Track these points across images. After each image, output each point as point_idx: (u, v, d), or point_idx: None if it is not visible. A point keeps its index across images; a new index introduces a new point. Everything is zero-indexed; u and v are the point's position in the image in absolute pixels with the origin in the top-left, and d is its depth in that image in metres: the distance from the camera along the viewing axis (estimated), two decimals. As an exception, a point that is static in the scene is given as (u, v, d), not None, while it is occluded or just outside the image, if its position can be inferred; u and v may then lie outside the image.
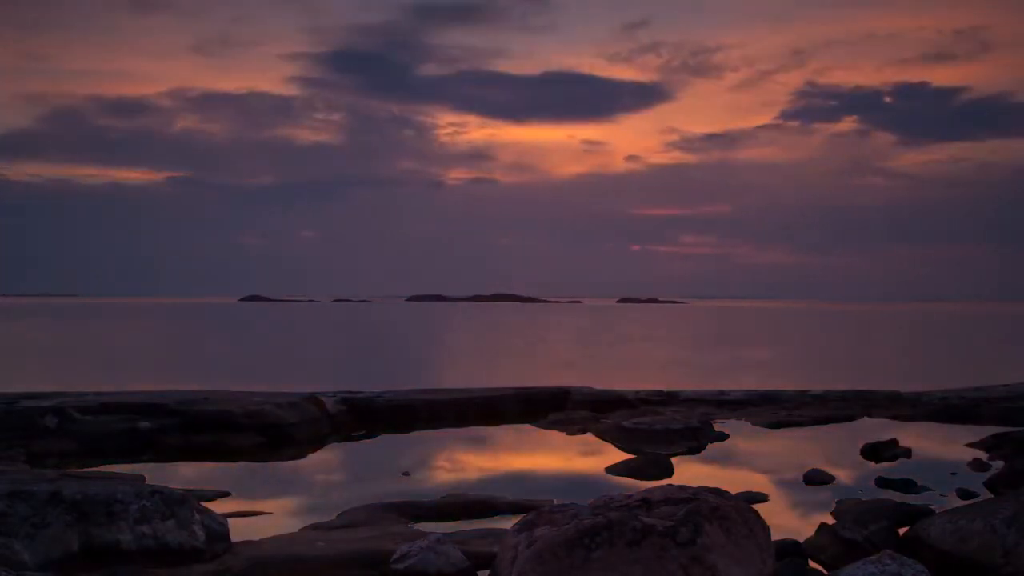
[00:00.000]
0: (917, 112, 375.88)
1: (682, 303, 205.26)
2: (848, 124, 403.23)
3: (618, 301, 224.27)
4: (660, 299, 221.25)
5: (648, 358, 31.85)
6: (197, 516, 5.85)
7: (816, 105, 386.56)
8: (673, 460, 9.49)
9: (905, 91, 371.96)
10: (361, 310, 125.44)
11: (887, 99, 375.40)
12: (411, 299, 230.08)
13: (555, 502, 6.57)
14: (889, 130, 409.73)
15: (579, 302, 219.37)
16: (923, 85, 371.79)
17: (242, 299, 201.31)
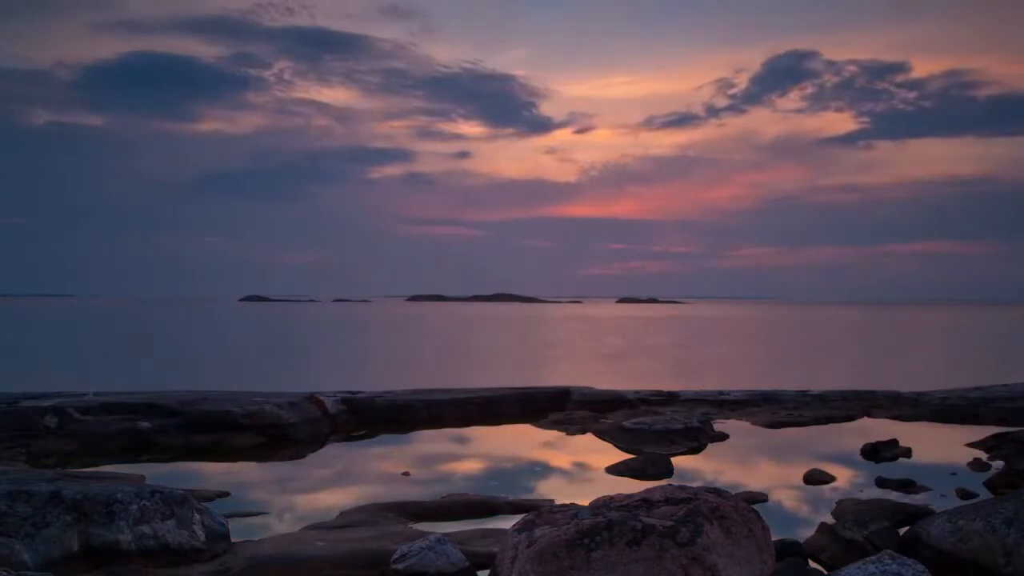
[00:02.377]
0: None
1: (682, 303, 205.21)
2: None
3: (618, 301, 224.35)
4: (660, 299, 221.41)
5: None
6: (197, 516, 5.85)
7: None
8: (673, 460, 9.49)
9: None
10: (361, 310, 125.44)
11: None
12: (411, 299, 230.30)
13: (555, 502, 6.58)
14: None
15: (579, 302, 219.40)
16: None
17: (242, 299, 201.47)
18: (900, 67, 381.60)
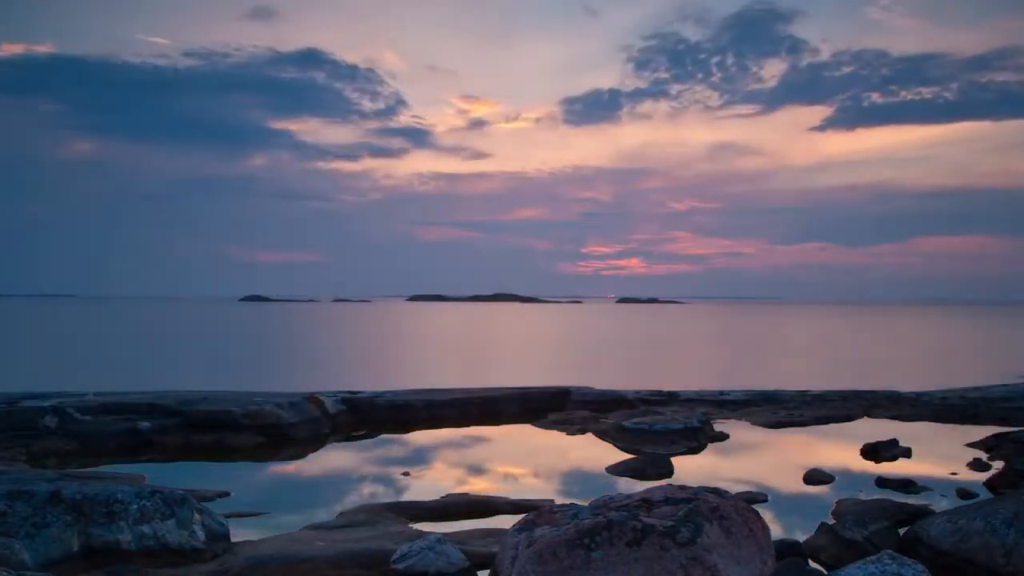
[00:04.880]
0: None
1: (681, 303, 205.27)
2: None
3: (617, 301, 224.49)
4: (660, 299, 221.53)
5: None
6: (197, 516, 5.85)
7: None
8: (673, 460, 9.49)
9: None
10: (361, 310, 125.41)
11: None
12: (411, 299, 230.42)
13: (555, 502, 6.58)
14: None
15: (579, 302, 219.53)
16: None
17: (242, 299, 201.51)
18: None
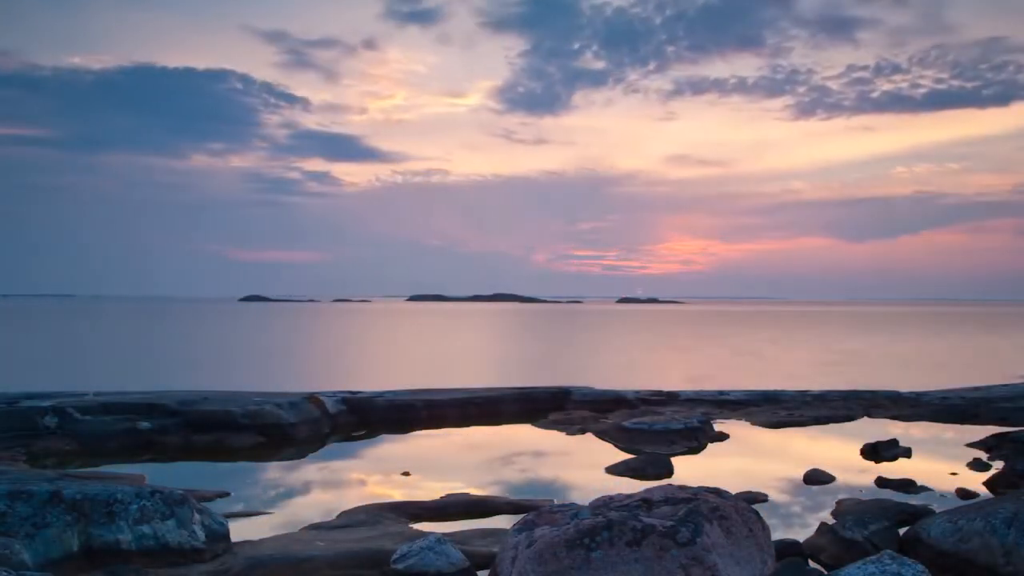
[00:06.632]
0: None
1: (681, 303, 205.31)
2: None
3: (617, 301, 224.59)
4: (660, 299, 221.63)
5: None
6: (197, 516, 5.85)
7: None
8: (673, 460, 9.49)
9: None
10: (361, 311, 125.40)
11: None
12: (411, 299, 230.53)
13: (555, 502, 6.58)
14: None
15: (579, 302, 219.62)
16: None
17: (242, 299, 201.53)
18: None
